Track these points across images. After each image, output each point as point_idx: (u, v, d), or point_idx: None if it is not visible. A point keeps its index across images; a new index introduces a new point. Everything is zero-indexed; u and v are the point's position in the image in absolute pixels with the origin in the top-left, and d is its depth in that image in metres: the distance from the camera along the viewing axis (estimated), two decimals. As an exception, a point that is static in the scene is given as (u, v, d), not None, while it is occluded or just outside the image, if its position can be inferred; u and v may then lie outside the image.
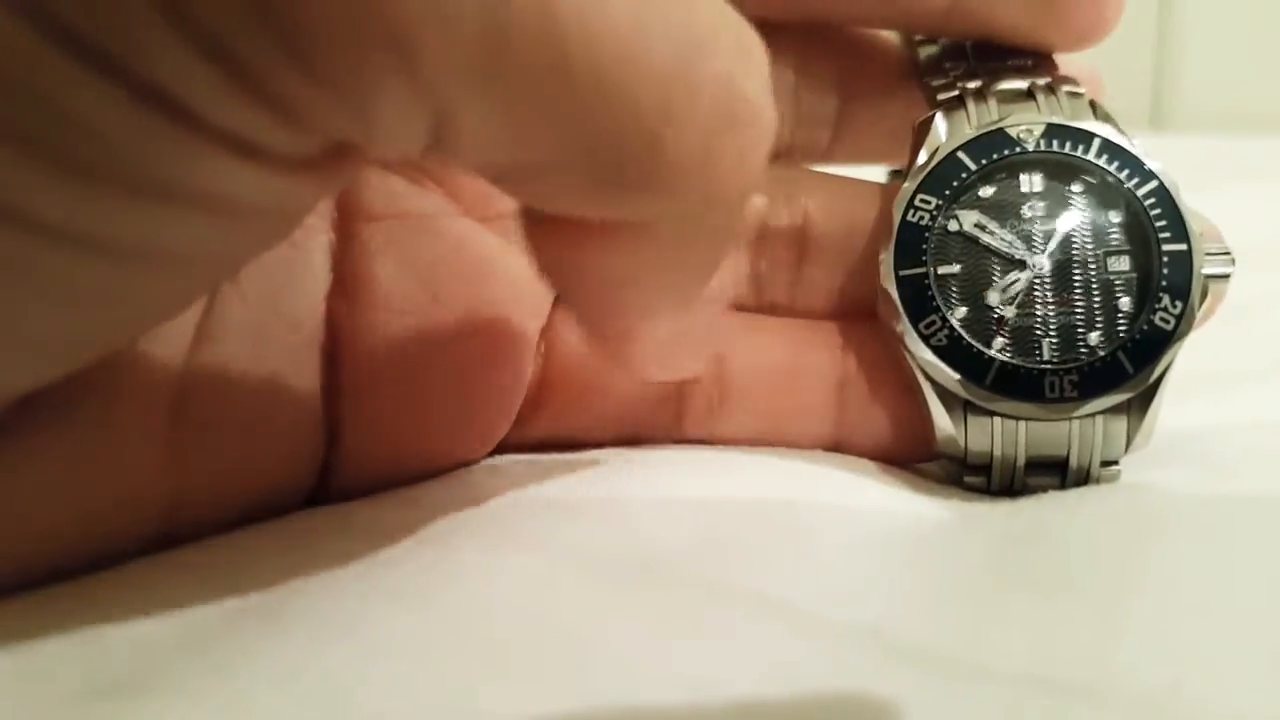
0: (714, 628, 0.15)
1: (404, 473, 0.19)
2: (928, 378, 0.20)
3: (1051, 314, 0.20)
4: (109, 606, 0.15)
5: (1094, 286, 0.20)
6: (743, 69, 0.13)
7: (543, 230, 0.14)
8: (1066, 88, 0.21)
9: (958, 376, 0.20)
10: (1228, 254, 0.20)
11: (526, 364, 0.20)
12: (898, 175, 0.22)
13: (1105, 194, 0.20)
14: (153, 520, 0.17)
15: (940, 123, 0.21)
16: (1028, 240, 0.20)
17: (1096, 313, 0.20)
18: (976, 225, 0.20)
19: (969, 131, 0.21)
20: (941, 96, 0.22)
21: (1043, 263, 0.20)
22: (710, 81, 0.12)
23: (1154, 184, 0.20)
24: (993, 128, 0.21)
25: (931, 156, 0.21)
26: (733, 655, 0.14)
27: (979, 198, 0.21)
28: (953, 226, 0.21)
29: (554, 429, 0.21)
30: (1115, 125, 0.21)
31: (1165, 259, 0.20)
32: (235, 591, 0.15)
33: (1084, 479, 0.20)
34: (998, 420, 0.20)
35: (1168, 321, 0.20)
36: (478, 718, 0.13)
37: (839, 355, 0.21)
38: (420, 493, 0.19)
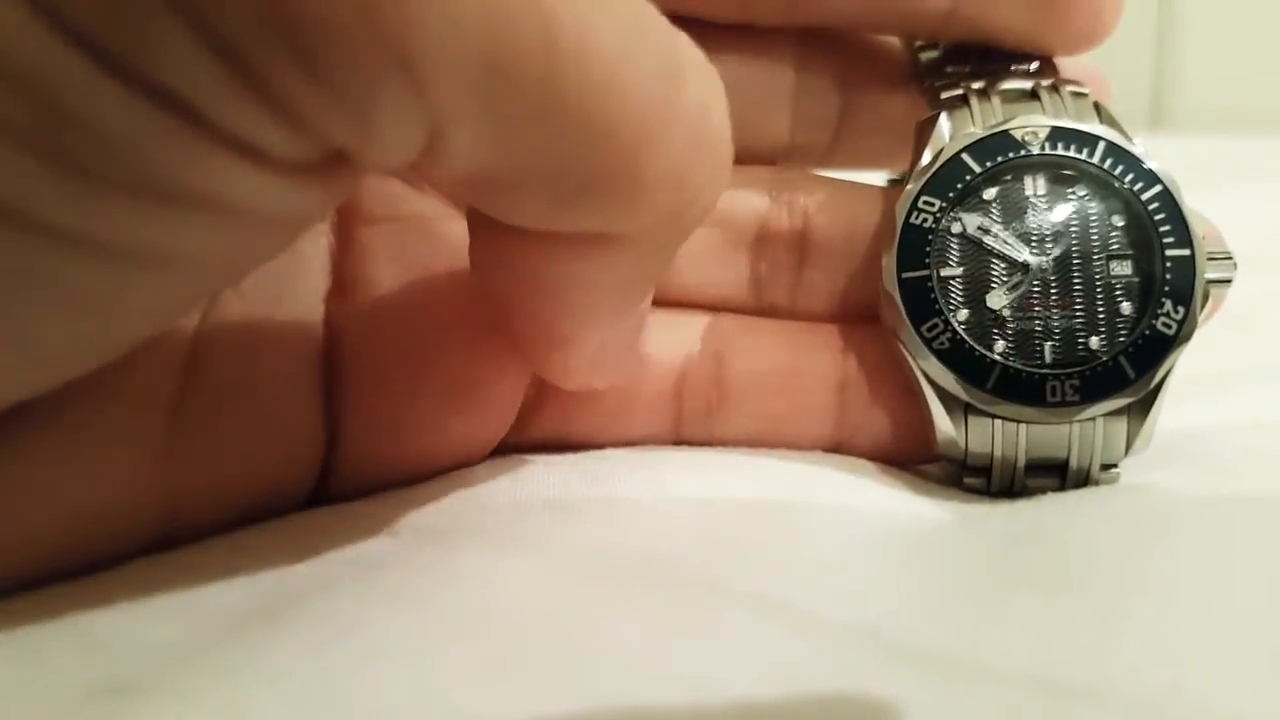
0: (714, 628, 0.15)
1: (403, 473, 0.19)
2: (929, 380, 0.20)
3: (1053, 317, 0.20)
4: (109, 606, 0.15)
5: (1096, 290, 0.20)
6: (713, 101, 0.14)
7: (497, 233, 0.14)
8: (1070, 88, 0.21)
9: (959, 379, 0.20)
10: (1230, 258, 0.20)
11: (525, 366, 0.20)
12: (896, 183, 0.22)
13: (1108, 198, 0.20)
14: (152, 521, 0.17)
15: (944, 122, 0.21)
16: (1030, 243, 0.20)
17: (1098, 317, 0.20)
18: (980, 228, 0.20)
19: (973, 131, 0.21)
20: (945, 95, 0.22)
21: (1045, 265, 0.20)
22: (686, 110, 0.13)
23: (1157, 188, 0.20)
24: (997, 130, 0.21)
25: (935, 157, 0.21)
26: (733, 655, 0.14)
27: (982, 200, 0.21)
28: (956, 229, 0.21)
29: (553, 430, 0.21)
30: (1119, 128, 0.21)
31: (1168, 263, 0.20)
32: (234, 592, 0.15)
33: (1083, 481, 0.20)
34: (998, 422, 0.20)
35: (1169, 326, 0.20)
36: (476, 719, 0.13)
37: (839, 357, 0.21)
38: (419, 493, 0.19)
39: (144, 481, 0.16)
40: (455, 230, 0.20)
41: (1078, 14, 0.21)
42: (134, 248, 0.12)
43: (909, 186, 0.21)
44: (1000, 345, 0.20)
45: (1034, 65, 0.22)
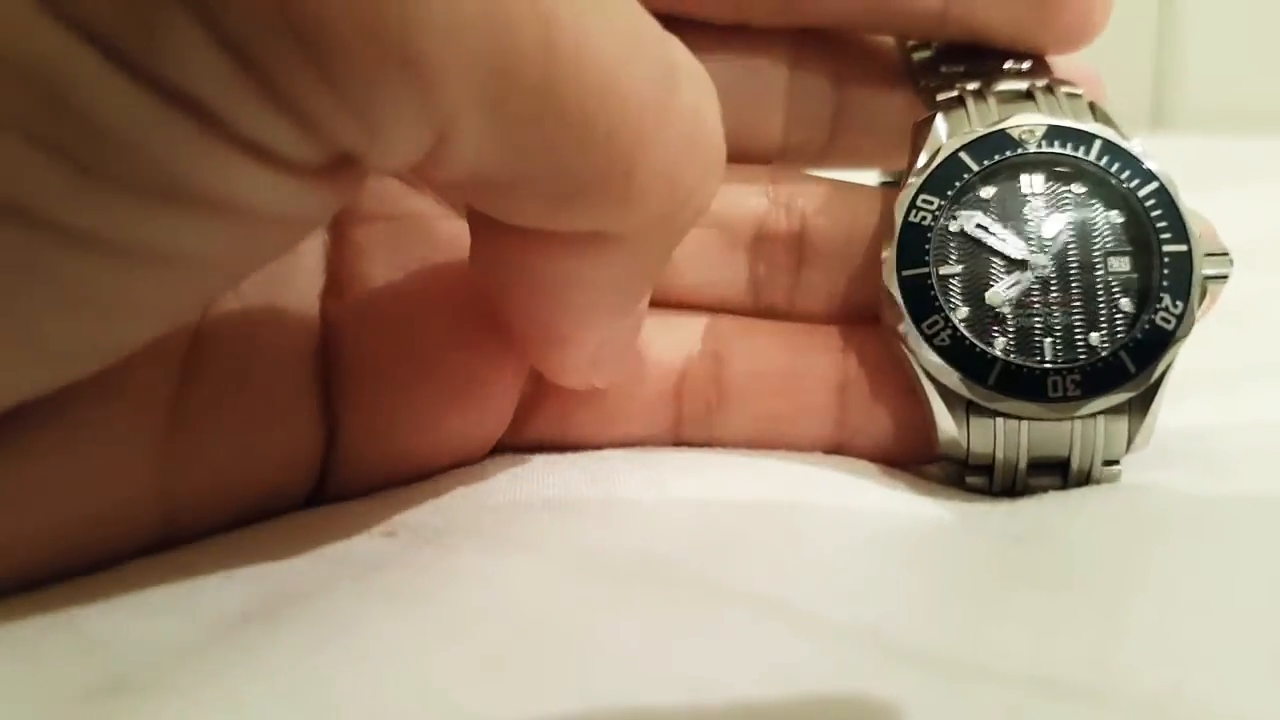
0: (714, 628, 0.15)
1: (402, 472, 0.19)
2: (930, 378, 0.20)
3: (1053, 314, 0.20)
4: (108, 606, 0.15)
5: (1095, 287, 0.20)
6: (705, 103, 0.14)
7: (497, 233, 0.15)
8: (1065, 89, 0.21)
9: (960, 376, 0.20)
10: (1226, 255, 0.20)
11: (523, 364, 0.20)
12: (890, 184, 0.22)
13: (1106, 195, 0.21)
14: (151, 520, 0.17)
15: (940, 123, 0.21)
16: (1029, 241, 0.20)
17: (1097, 313, 0.20)
18: (978, 226, 0.21)
19: (970, 131, 0.21)
20: (941, 97, 0.22)
21: (1044, 263, 0.20)
22: (680, 112, 0.14)
23: (1154, 185, 0.20)
24: (994, 129, 0.21)
25: (933, 157, 0.21)
26: (733, 656, 0.14)
27: (980, 198, 0.21)
28: (954, 227, 0.21)
29: (551, 430, 0.21)
30: (1115, 127, 0.21)
31: (1166, 259, 0.20)
32: (233, 591, 0.15)
33: (1085, 479, 0.20)
34: (1000, 421, 0.20)
35: (1168, 321, 0.20)
36: (474, 718, 0.13)
37: (839, 358, 0.21)
38: (417, 492, 0.19)
39: (142, 481, 0.16)
40: (450, 228, 0.20)
41: (1068, 12, 0.21)
42: (140, 246, 0.12)
43: (908, 183, 0.21)
44: (1001, 342, 0.20)
45: (1027, 64, 0.22)
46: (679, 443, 0.21)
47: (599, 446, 0.21)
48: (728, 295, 0.22)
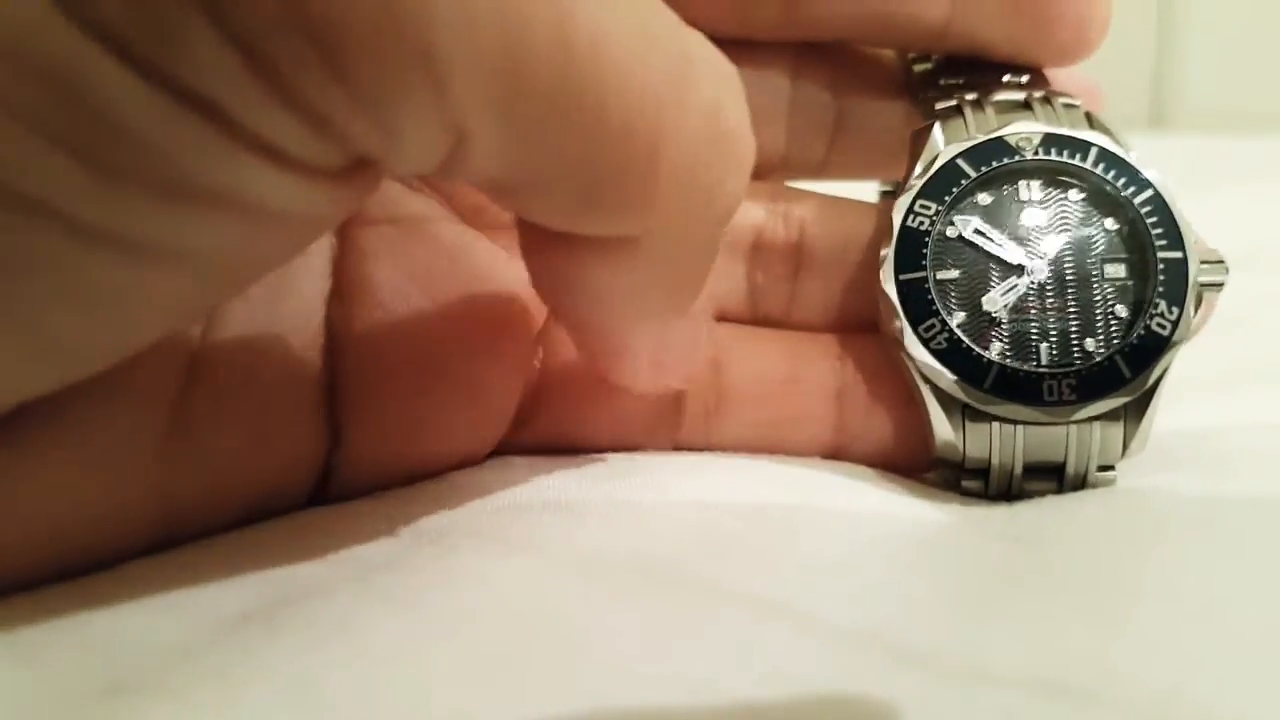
0: (714, 630, 0.15)
1: (404, 473, 0.19)
2: (927, 381, 0.20)
3: (1049, 319, 0.20)
4: (108, 606, 0.15)
5: (1091, 293, 0.20)
6: (727, 98, 0.14)
7: (538, 241, 0.15)
8: (1062, 99, 0.22)
9: (956, 380, 0.20)
10: (1222, 262, 0.20)
11: (524, 367, 0.20)
12: (889, 195, 0.23)
13: (1102, 202, 0.21)
14: (152, 521, 0.17)
15: (938, 131, 0.21)
16: (1026, 246, 0.20)
17: (1093, 318, 0.20)
18: (975, 231, 0.21)
19: (967, 138, 0.21)
20: (939, 106, 0.22)
21: (1040, 269, 0.20)
22: (699, 107, 0.13)
23: (1150, 192, 0.20)
24: (992, 135, 0.21)
25: (930, 163, 0.21)
26: (733, 657, 0.14)
27: (978, 204, 0.21)
28: (952, 232, 0.21)
29: (552, 432, 0.21)
30: (1112, 135, 0.21)
31: (1161, 266, 0.20)
32: (234, 591, 0.15)
33: (1081, 484, 0.20)
34: (995, 425, 0.20)
35: (1164, 327, 0.20)
36: (473, 719, 0.13)
37: (836, 365, 0.21)
38: (419, 493, 0.19)
39: (144, 480, 0.16)
40: (453, 232, 0.20)
41: (1064, 28, 0.21)
42: (152, 243, 0.12)
43: (906, 189, 0.21)
44: (997, 346, 0.20)
45: (1026, 77, 0.22)
46: (678, 447, 0.21)
47: (599, 449, 0.21)
48: (726, 304, 0.22)
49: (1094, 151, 0.21)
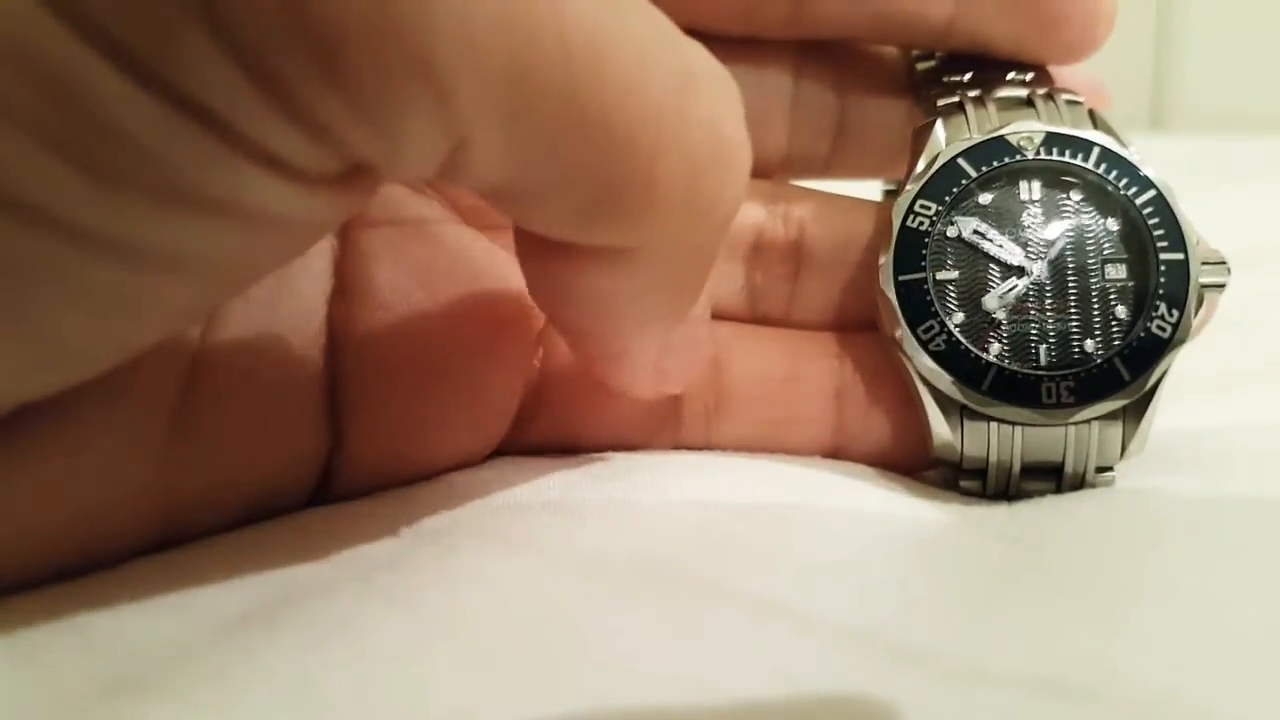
0: (714, 630, 0.15)
1: (405, 473, 0.19)
2: (925, 382, 0.20)
3: (1048, 321, 0.20)
4: (109, 606, 0.15)
5: (1091, 294, 0.20)
6: (725, 110, 0.14)
7: (536, 248, 0.15)
8: (1065, 96, 0.22)
9: (955, 381, 0.20)
10: (1224, 263, 0.20)
11: (524, 367, 0.20)
12: (892, 193, 0.22)
13: (1103, 202, 0.21)
14: (153, 521, 0.17)
15: (940, 129, 0.21)
16: (1026, 247, 0.20)
17: (1093, 320, 0.20)
18: (975, 232, 0.21)
19: (969, 137, 0.21)
20: (941, 103, 0.22)
21: (1041, 269, 0.20)
22: (699, 118, 0.13)
23: (1152, 193, 0.20)
24: (992, 135, 0.21)
25: (931, 163, 0.21)
26: (733, 657, 0.14)
27: (978, 204, 0.21)
28: (951, 232, 0.21)
29: (552, 432, 0.21)
30: (1114, 135, 0.21)
31: (1162, 267, 0.20)
32: (234, 591, 0.15)
33: (1079, 484, 0.20)
34: (994, 425, 0.20)
35: (1164, 329, 0.20)
36: (473, 719, 0.13)
37: (836, 364, 0.21)
38: (420, 493, 0.19)
39: (145, 481, 0.16)
40: (454, 234, 0.20)
41: (1070, 26, 0.21)
42: (151, 249, 0.12)
43: (906, 189, 0.21)
44: (996, 348, 0.20)
45: (1030, 75, 0.22)
46: (677, 447, 0.21)
47: (599, 449, 0.21)
48: (725, 304, 0.22)
49: (1096, 151, 0.21)
